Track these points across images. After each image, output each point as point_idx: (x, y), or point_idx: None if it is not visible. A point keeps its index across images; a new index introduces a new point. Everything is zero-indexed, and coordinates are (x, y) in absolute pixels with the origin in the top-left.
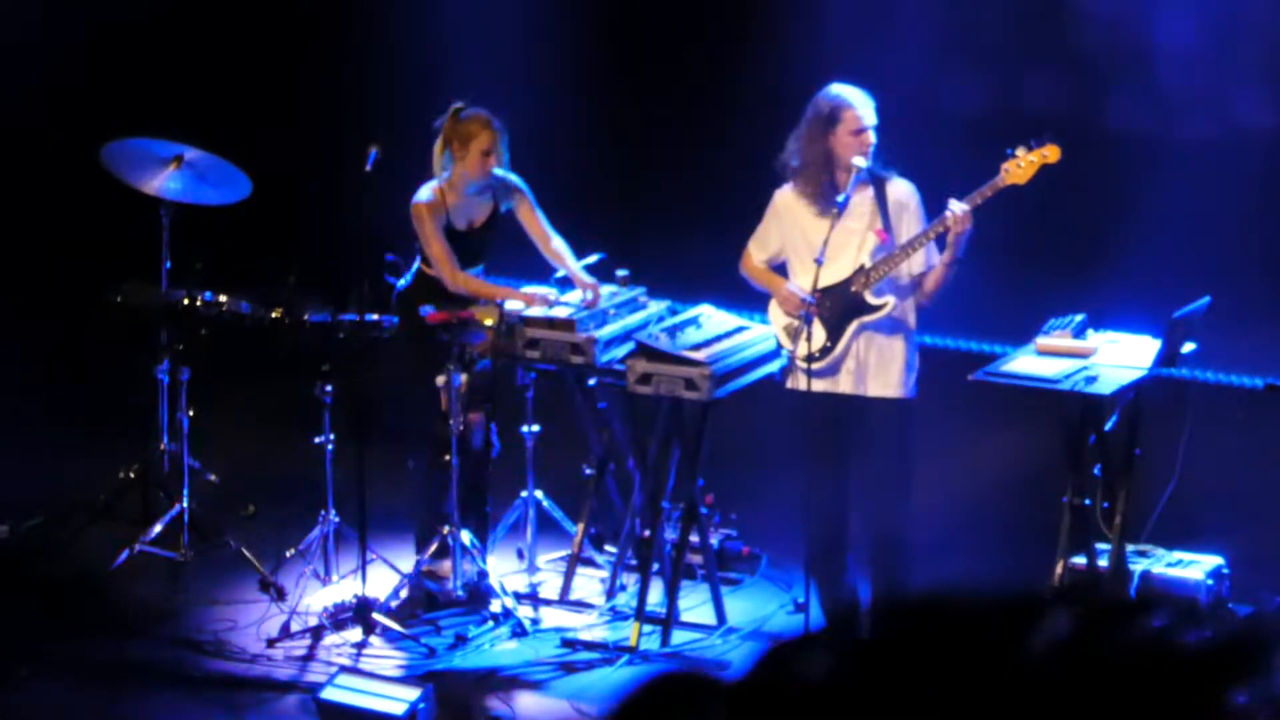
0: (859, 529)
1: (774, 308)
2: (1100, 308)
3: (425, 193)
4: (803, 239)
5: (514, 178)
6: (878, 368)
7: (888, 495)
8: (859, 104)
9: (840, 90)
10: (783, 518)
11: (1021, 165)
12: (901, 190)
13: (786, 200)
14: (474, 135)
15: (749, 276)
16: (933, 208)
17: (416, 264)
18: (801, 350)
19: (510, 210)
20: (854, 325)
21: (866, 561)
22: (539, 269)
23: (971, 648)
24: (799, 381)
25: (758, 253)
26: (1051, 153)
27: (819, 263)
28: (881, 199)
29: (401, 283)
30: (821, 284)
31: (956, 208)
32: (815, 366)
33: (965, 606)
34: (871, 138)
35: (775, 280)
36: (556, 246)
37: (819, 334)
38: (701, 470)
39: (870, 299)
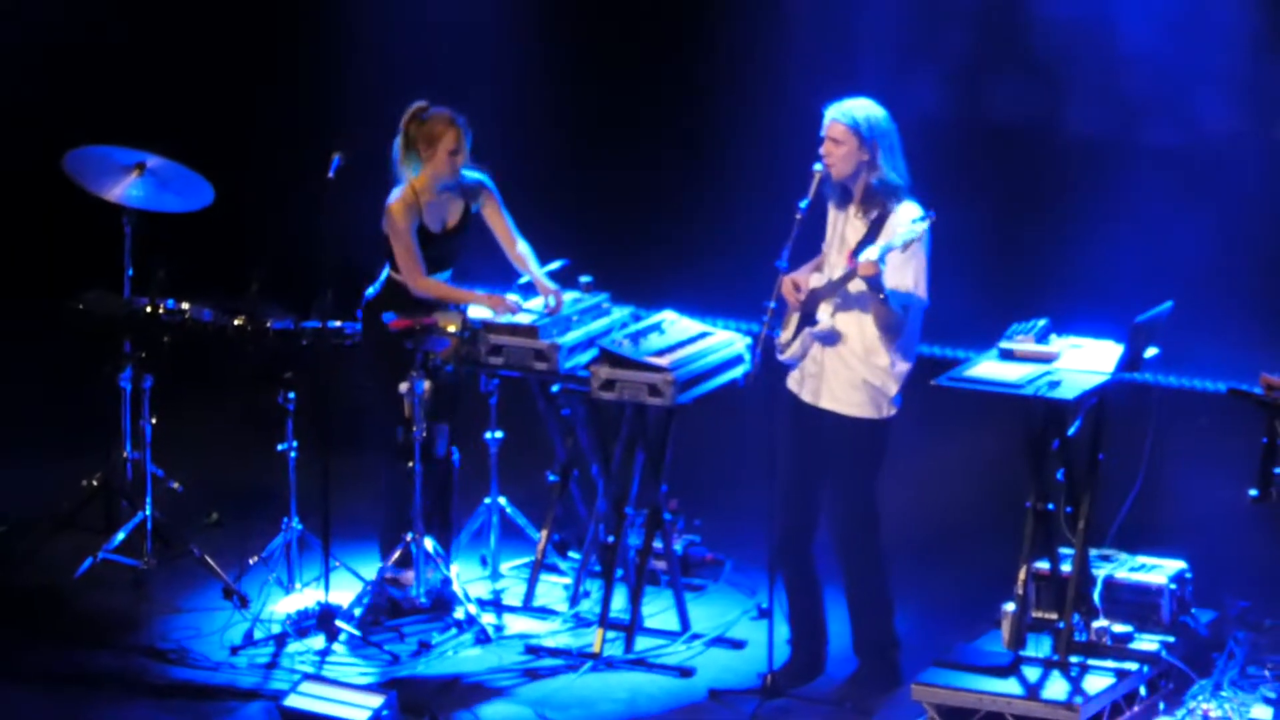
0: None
1: None
2: (1063, 312)
3: (399, 194)
4: (827, 235)
5: (483, 177)
6: (829, 383)
7: (845, 509)
8: (828, 113)
9: (838, 100)
10: (746, 524)
11: (914, 230)
12: (902, 214)
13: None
14: (440, 135)
15: None
16: None
17: (385, 271)
18: (783, 338)
19: (479, 210)
20: (805, 332)
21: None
22: (503, 274)
23: None
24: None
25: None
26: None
27: (780, 267)
28: (880, 218)
29: (370, 291)
30: (816, 283)
31: (864, 255)
32: (780, 357)
33: None
34: (830, 148)
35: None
36: (521, 250)
37: (791, 328)
38: (665, 476)
39: (818, 313)
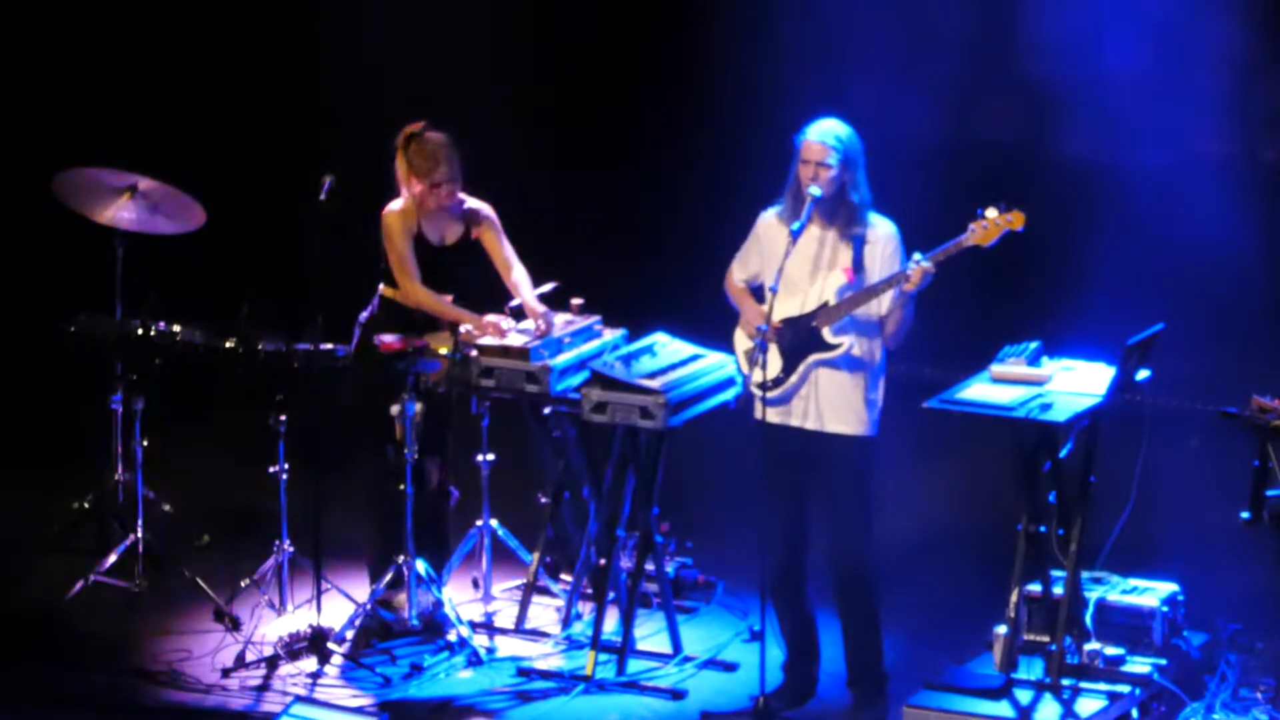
0: (821, 561)
1: (739, 331)
2: (1055, 335)
3: (396, 203)
4: (776, 263)
5: (482, 205)
6: (832, 404)
7: (847, 533)
8: (812, 137)
9: (812, 124)
10: (738, 546)
11: (987, 228)
12: (880, 230)
13: (767, 223)
14: (421, 171)
15: (729, 294)
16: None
17: (379, 291)
18: (757, 377)
19: (478, 238)
20: (809, 360)
21: (832, 598)
22: (500, 298)
23: None
24: (757, 410)
25: (739, 272)
26: (1017, 219)
27: (773, 291)
28: (859, 237)
29: (364, 314)
30: (787, 313)
31: (914, 266)
32: (769, 395)
33: None
34: (819, 172)
35: (746, 302)
36: (517, 276)
37: (775, 363)
38: (657, 499)
39: (828, 337)
